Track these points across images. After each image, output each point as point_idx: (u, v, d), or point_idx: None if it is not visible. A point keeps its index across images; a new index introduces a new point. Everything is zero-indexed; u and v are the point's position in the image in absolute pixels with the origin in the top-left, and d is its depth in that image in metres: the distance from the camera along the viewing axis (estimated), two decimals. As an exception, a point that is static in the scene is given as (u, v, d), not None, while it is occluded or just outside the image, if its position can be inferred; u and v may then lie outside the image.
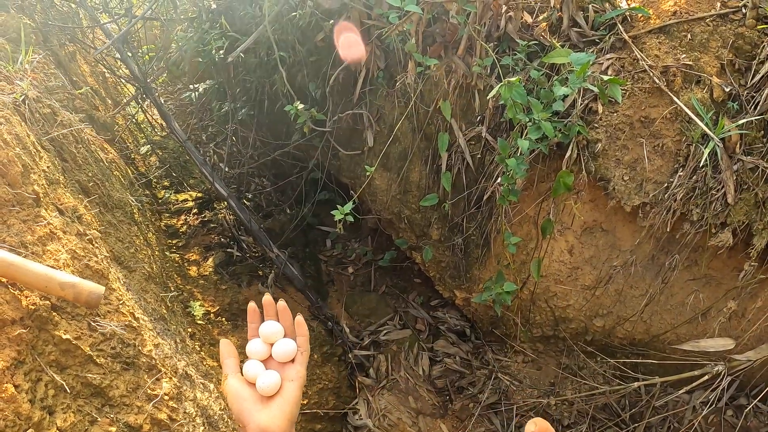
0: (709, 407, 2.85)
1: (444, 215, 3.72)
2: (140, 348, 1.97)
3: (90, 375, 1.72)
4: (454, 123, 3.44)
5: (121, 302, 1.99)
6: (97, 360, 1.75)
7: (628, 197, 2.97)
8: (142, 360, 1.96)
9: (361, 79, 3.76)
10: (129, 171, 3.32)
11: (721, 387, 2.85)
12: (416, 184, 3.78)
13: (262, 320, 1.26)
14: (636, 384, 3.14)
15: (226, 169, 4.85)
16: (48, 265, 1.67)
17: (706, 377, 2.97)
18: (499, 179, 3.20)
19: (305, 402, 3.64)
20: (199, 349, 3.25)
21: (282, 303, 1.26)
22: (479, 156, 3.43)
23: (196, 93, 4.98)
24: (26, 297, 1.54)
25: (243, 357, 1.22)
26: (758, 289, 3.02)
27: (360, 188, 3.89)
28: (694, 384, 3.00)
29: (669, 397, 3.24)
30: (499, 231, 3.42)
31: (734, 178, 2.76)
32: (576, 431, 3.66)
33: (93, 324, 1.78)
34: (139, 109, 4.88)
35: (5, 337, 1.44)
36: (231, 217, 4.59)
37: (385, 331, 4.35)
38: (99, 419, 1.72)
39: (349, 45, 3.47)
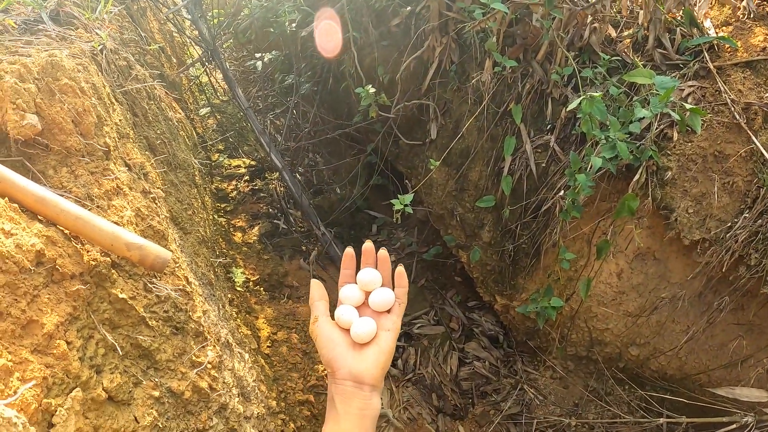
0: None
1: (497, 219, 3.63)
2: (190, 313, 1.93)
3: (140, 337, 1.67)
4: (523, 128, 3.34)
5: (177, 265, 1.95)
6: (149, 322, 1.71)
7: (689, 231, 2.85)
8: (190, 326, 1.92)
9: (432, 71, 3.67)
10: (194, 133, 3.28)
11: None
12: (474, 183, 3.69)
13: (358, 268, 1.20)
14: (661, 420, 3.04)
15: (282, 141, 4.80)
16: (112, 222, 1.62)
17: (734, 426, 2.86)
18: (561, 192, 3.10)
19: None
20: (235, 316, 3.22)
21: (383, 252, 1.19)
22: (543, 165, 3.32)
23: (261, 62, 4.93)
24: (88, 252, 1.49)
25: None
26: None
27: (417, 179, 3.82)
28: (721, 431, 2.88)
29: None
30: (553, 244, 3.32)
31: (796, 228, 2.63)
32: (592, 456, 3.58)
33: (149, 285, 1.74)
34: (204, 72, 4.85)
35: (63, 292, 1.40)
36: (282, 189, 4.55)
37: (418, 325, 4.28)
38: (144, 382, 1.68)
39: (327, 35, 3.40)
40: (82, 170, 1.64)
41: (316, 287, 1.17)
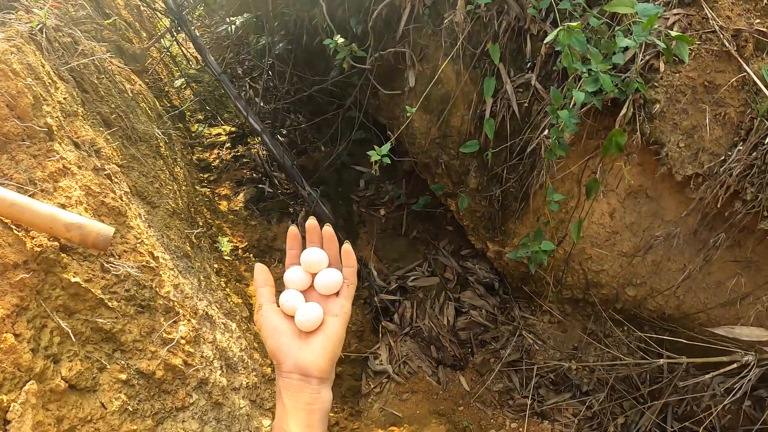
0: (732, 396, 2.69)
1: (484, 164, 3.53)
2: (157, 289, 1.87)
3: (101, 320, 1.61)
4: (502, 68, 3.21)
5: (139, 241, 1.87)
6: (110, 303, 1.64)
7: (681, 166, 2.74)
8: (158, 302, 1.86)
9: (405, 16, 3.53)
10: (157, 104, 3.17)
11: (747, 378, 2.68)
12: (457, 129, 3.59)
13: (304, 247, 1.07)
14: (661, 361, 2.99)
15: (262, 104, 4.68)
16: (58, 203, 1.54)
17: (734, 365, 2.80)
18: (546, 131, 2.99)
19: (327, 344, 3.56)
20: (224, 285, 3.16)
21: (328, 229, 1.07)
22: (526, 105, 3.21)
23: (233, 26, 4.78)
24: (32, 239, 1.41)
25: (280, 287, 1.03)
26: (802, 283, 2.81)
27: (398, 129, 3.72)
28: (721, 371, 2.83)
29: (693, 380, 3.09)
30: (541, 186, 3.23)
31: (798, 160, 2.51)
32: (594, 399, 3.54)
33: (106, 265, 1.67)
34: (174, 42, 4.70)
35: (6, 283, 1.32)
36: (264, 152, 4.45)
37: (412, 277, 4.23)
38: (108, 366, 1.62)
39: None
40: (22, 155, 1.56)
41: (260, 272, 1.05)
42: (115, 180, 1.95)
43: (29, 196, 1.47)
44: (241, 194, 4.17)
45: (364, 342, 3.87)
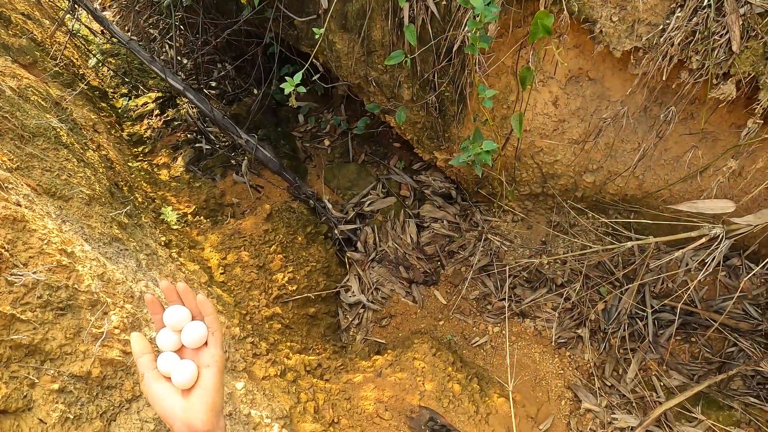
0: (705, 271, 2.69)
1: (413, 72, 3.43)
2: (76, 286, 1.80)
3: (17, 336, 1.55)
4: (411, -32, 3.07)
5: (45, 242, 1.79)
6: (23, 316, 1.58)
7: (618, 41, 2.63)
8: (80, 298, 1.79)
9: None
10: (51, 92, 3.01)
11: (719, 250, 2.67)
12: (379, 42, 3.46)
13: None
14: (630, 243, 2.98)
15: (185, 61, 4.51)
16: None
17: (704, 239, 2.78)
18: (466, 27, 2.87)
19: (294, 288, 3.54)
20: (176, 256, 3.10)
21: (181, 284, 1.08)
22: (445, 3, 3.07)
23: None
24: None
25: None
26: (760, 148, 2.74)
27: (323, 55, 3.60)
28: (690, 246, 2.82)
29: (664, 259, 3.09)
30: (474, 84, 3.14)
31: (740, 23, 2.36)
32: (570, 290, 3.57)
33: (10, 278, 1.60)
34: (75, 22, 4.49)
35: None
36: (194, 110, 4.31)
37: (368, 202, 4.18)
38: (38, 380, 1.57)
39: None
40: None
41: (136, 341, 1.06)
42: (9, 186, 1.85)
43: None
44: (179, 158, 4.06)
45: (333, 277, 3.85)
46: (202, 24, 4.28)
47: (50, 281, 1.70)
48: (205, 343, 1.07)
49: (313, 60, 3.87)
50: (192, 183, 3.89)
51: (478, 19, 2.60)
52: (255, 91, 4.59)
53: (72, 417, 1.61)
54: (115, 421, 1.75)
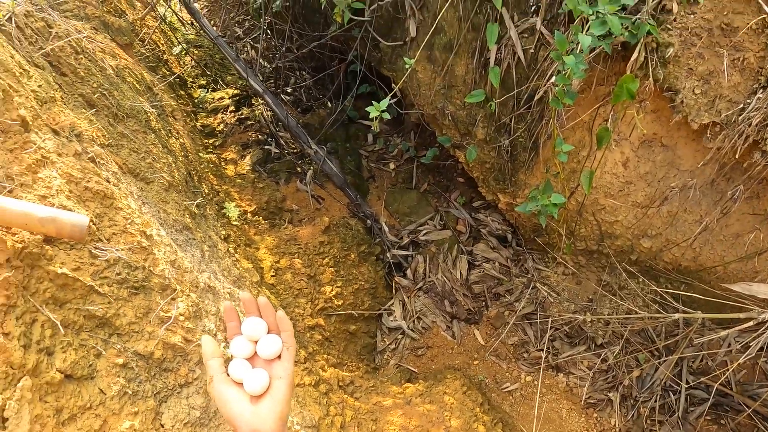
0: (747, 354, 2.66)
1: (491, 114, 3.46)
2: (151, 269, 1.87)
3: (93, 307, 1.62)
4: (505, 13, 3.11)
5: (129, 221, 1.87)
6: (101, 289, 1.65)
7: (697, 114, 2.64)
8: (153, 281, 1.86)
9: None
10: (146, 76, 3.12)
11: (765, 335, 2.64)
12: (462, 78, 3.51)
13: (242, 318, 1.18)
14: (676, 315, 2.96)
15: (266, 64, 4.63)
16: (39, 195, 1.54)
17: (750, 323, 2.75)
18: (553, 78, 2.91)
19: (340, 303, 3.59)
20: (233, 251, 3.17)
21: (263, 299, 1.16)
22: (532, 51, 3.11)
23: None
24: (13, 235, 1.41)
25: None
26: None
27: (401, 81, 3.66)
28: (737, 327, 2.79)
29: (708, 336, 3.06)
30: (550, 135, 3.16)
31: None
32: (609, 351, 3.54)
33: (94, 251, 1.67)
34: (168, 9, 4.65)
35: (-7, 288, 1.33)
36: (268, 113, 4.42)
37: (424, 231, 4.21)
38: (105, 352, 1.64)
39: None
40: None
41: (207, 344, 1.13)
42: (101, 162, 1.94)
43: (7, 192, 1.47)
44: (248, 157, 4.16)
45: (378, 299, 3.89)
46: (289, 32, 4.39)
47: (130, 260, 1.77)
48: (279, 357, 1.13)
49: (393, 85, 3.95)
50: (256, 183, 3.97)
51: (566, 74, 2.64)
52: (329, 104, 4.68)
53: (130, 392, 1.67)
54: (165, 402, 1.81)
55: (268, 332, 1.14)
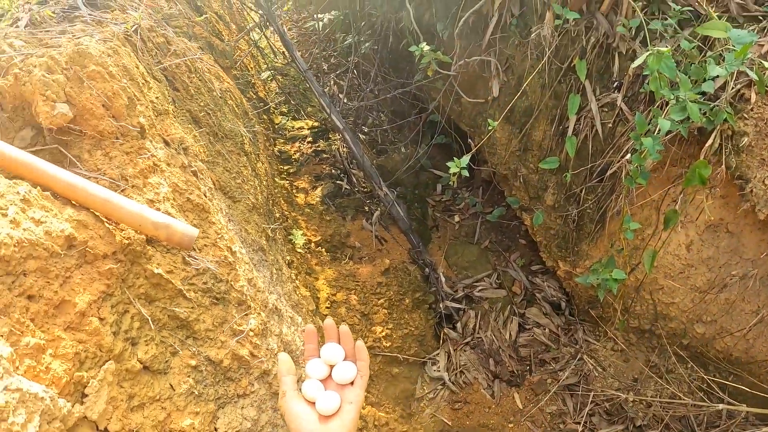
0: None
1: (562, 182, 3.54)
2: (232, 283, 2.01)
3: (178, 309, 1.76)
4: (588, 85, 3.20)
5: (219, 236, 2.02)
6: (187, 294, 1.79)
7: (765, 204, 2.68)
8: (232, 295, 2.00)
9: (492, 25, 3.56)
10: (244, 101, 3.33)
11: None
12: (538, 143, 3.61)
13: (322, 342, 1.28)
14: (720, 406, 2.95)
15: (345, 101, 4.82)
16: (148, 199, 1.70)
17: None
18: (628, 156, 2.98)
19: (388, 345, 3.67)
20: (294, 277, 3.30)
21: (345, 327, 1.26)
22: (610, 125, 3.19)
23: (321, 23, 4.93)
24: (121, 231, 1.57)
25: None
26: None
27: (479, 138, 3.78)
28: None
29: (751, 430, 3.03)
30: (618, 211, 3.22)
31: None
32: (646, 434, 3.52)
33: (187, 259, 1.82)
34: (262, 36, 4.91)
35: (96, 271, 1.48)
36: (344, 149, 4.59)
37: (480, 288, 4.28)
38: (180, 351, 1.77)
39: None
40: (116, 152, 1.72)
41: (284, 362, 1.22)
42: (201, 177, 2.10)
43: (121, 191, 1.63)
44: (319, 189, 4.32)
45: (424, 347, 3.96)
46: (374, 74, 4.59)
47: (216, 272, 1.91)
48: (351, 383, 1.20)
49: (469, 140, 4.07)
50: (324, 215, 4.12)
51: (642, 155, 2.71)
52: (403, 150, 4.83)
53: (195, 393, 1.79)
54: (223, 408, 1.92)
55: (345, 359, 1.23)
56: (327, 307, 3.53)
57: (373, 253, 4.09)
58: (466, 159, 3.00)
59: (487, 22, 3.59)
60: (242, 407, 2.01)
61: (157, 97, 2.04)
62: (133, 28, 2.15)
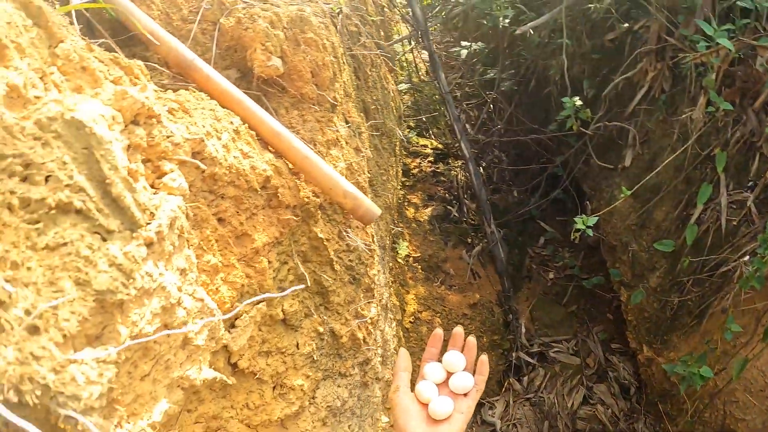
0: None
1: (671, 266, 3.53)
2: (368, 269, 2.13)
3: (324, 276, 1.88)
4: (723, 178, 3.19)
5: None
6: (335, 266, 1.92)
7: None
8: (365, 280, 2.12)
9: (639, 95, 3.60)
10: (401, 105, 3.48)
11: None
12: (657, 222, 3.61)
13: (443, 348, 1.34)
14: None
15: (473, 133, 4.93)
16: (328, 169, 1.83)
17: None
18: (747, 257, 2.98)
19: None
20: (390, 284, 3.41)
21: (472, 339, 1.31)
22: (735, 223, 3.18)
23: (465, 51, 5.06)
24: (303, 189, 1.70)
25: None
26: None
27: (599, 202, 3.81)
28: None
29: None
30: (723, 310, 3.20)
31: None
32: None
33: (343, 233, 1.94)
34: (411, 49, 5.07)
35: (276, 218, 1.61)
36: (462, 177, 4.70)
37: (556, 349, 4.30)
38: (314, 315, 1.89)
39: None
40: (310, 116, 1.87)
41: (404, 358, 1.29)
42: (364, 164, 2.24)
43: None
44: (429, 208, 4.44)
45: (487, 390, 3.99)
46: (510, 114, 4.69)
47: (361, 254, 2.03)
48: (465, 394, 1.23)
49: (586, 202, 4.11)
50: (428, 235, 4.23)
51: (764, 260, 2.71)
52: (515, 194, 4.90)
53: (313, 358, 1.90)
54: (324, 381, 2.03)
55: (464, 369, 1.27)
56: (410, 322, 3.62)
57: (465, 285, 4.16)
58: (593, 219, 3.05)
59: (635, 91, 3.63)
60: (338, 386, 2.11)
61: (346, 80, 2.20)
62: (336, 11, 2.31)
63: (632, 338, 3.94)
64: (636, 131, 3.69)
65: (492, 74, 4.88)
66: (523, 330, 4.28)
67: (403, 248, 3.77)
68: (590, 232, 3.04)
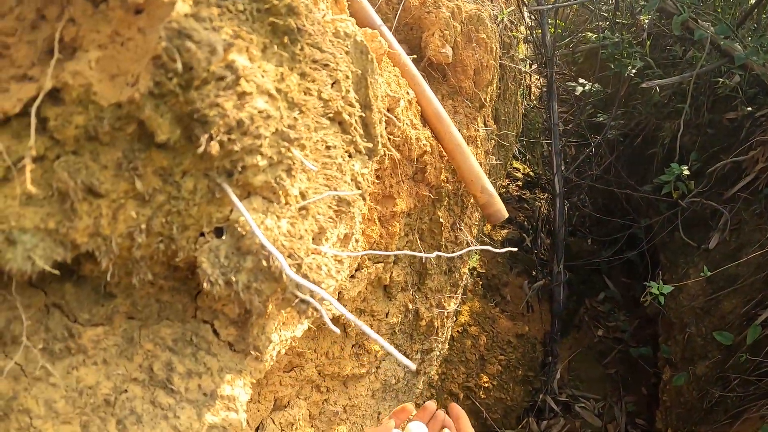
0: None
1: (723, 360, 3.61)
2: (461, 265, 2.31)
3: (430, 258, 2.07)
4: (807, 300, 3.29)
5: (474, 222, 2.33)
6: (441, 251, 2.10)
7: None
8: (456, 275, 2.31)
9: (743, 182, 3.66)
10: (521, 124, 3.66)
11: None
12: (723, 313, 3.64)
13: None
14: None
15: (566, 171, 5.05)
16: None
17: None
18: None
19: (483, 397, 3.88)
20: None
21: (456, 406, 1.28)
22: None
23: (581, 89, 5.14)
24: (443, 172, 1.89)
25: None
26: None
27: (670, 275, 3.86)
28: None
29: None
30: (762, 418, 3.27)
31: None
32: None
33: (457, 225, 2.13)
34: (530, 73, 5.19)
35: (415, 190, 1.80)
36: (544, 210, 4.83)
37: (582, 405, 4.40)
38: (408, 291, 2.07)
39: None
40: (461, 110, 2.05)
41: (402, 412, 1.25)
42: (487, 169, 2.43)
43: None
44: (506, 231, 4.58)
45: (507, 419, 4.12)
46: (610, 163, 4.80)
47: (462, 247, 2.22)
48: None
49: (658, 270, 4.19)
50: (496, 255, 4.38)
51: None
52: (589, 242, 5.02)
53: (395, 330, 2.09)
54: (389, 356, 2.20)
55: None
56: (458, 332, 3.78)
57: (518, 314, 4.31)
58: (668, 288, 3.16)
59: (740, 176, 3.70)
60: (398, 365, 2.28)
61: (494, 86, 2.38)
62: (499, 20, 2.50)
63: (660, 419, 4.00)
64: (729, 216, 3.76)
65: (601, 118, 4.97)
66: (558, 376, 4.40)
67: (474, 260, 3.94)
68: (662, 300, 3.15)
